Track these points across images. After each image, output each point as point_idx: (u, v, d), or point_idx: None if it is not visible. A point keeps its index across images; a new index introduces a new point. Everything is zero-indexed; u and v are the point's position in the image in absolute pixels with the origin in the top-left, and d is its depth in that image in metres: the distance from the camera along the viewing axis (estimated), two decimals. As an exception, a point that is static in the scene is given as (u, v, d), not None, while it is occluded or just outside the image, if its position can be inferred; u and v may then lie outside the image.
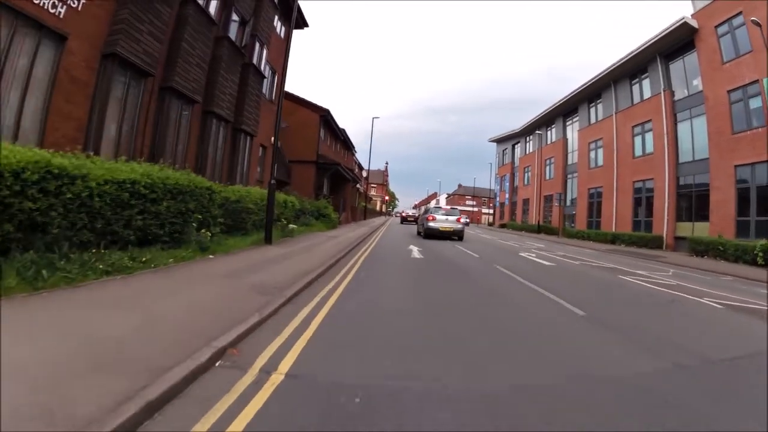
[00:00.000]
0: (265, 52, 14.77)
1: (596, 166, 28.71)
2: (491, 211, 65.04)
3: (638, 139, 24.90)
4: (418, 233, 19.69)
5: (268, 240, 10.31)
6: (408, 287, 6.76)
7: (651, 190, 23.20)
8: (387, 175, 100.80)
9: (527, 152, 43.74)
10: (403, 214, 44.62)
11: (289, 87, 29.10)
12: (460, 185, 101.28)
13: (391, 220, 47.87)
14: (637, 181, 24.32)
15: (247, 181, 12.58)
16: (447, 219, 18.16)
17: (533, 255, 13.47)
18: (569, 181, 33.57)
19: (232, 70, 12.78)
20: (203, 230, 8.10)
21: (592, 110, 30.36)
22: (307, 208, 17.54)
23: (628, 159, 25.28)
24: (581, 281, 8.55)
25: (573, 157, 33.09)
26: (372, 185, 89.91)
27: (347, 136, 32.52)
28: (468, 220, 45.13)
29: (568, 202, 32.80)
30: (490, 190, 62.00)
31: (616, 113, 26.99)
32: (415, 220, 31.30)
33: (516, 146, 48.18)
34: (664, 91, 22.85)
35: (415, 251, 11.75)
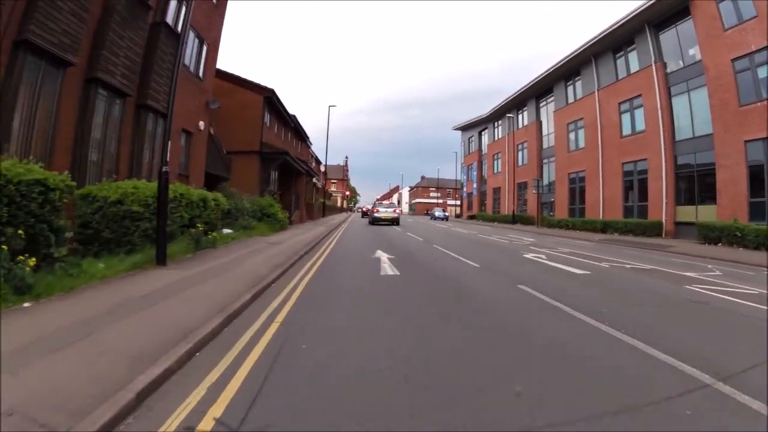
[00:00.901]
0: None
1: (577, 149, 26.59)
2: (458, 203, 62.96)
3: (626, 117, 22.86)
4: (369, 222, 26.09)
5: (160, 259, 6.35)
6: (390, 362, 3.03)
7: (644, 171, 21.18)
8: (347, 170, 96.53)
9: (496, 138, 41.55)
10: (364, 209, 46.15)
11: (233, 70, 24.61)
12: (423, 177, 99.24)
13: (352, 217, 44.53)
14: (628, 162, 22.27)
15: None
16: (387, 211, 26.10)
17: (543, 257, 10.30)
18: (545, 167, 31.48)
19: (132, 26, 8.62)
20: (24, 256, 4.24)
21: (570, 89, 28.23)
22: (246, 207, 13.98)
23: (615, 139, 23.20)
24: (665, 309, 5.22)
25: (549, 141, 30.96)
26: (332, 181, 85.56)
27: (299, 123, 28.17)
28: (447, 215, 48.28)
29: (545, 189, 30.67)
30: (456, 180, 59.85)
31: (598, 90, 24.87)
32: (368, 213, 34.17)
33: (483, 133, 45.98)
34: (655, 63, 20.79)
35: (386, 262, 8.38)
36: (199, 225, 8.38)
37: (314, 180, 33.98)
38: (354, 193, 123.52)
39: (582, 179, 25.78)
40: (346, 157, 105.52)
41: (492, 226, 31.37)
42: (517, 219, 31.66)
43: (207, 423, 2.04)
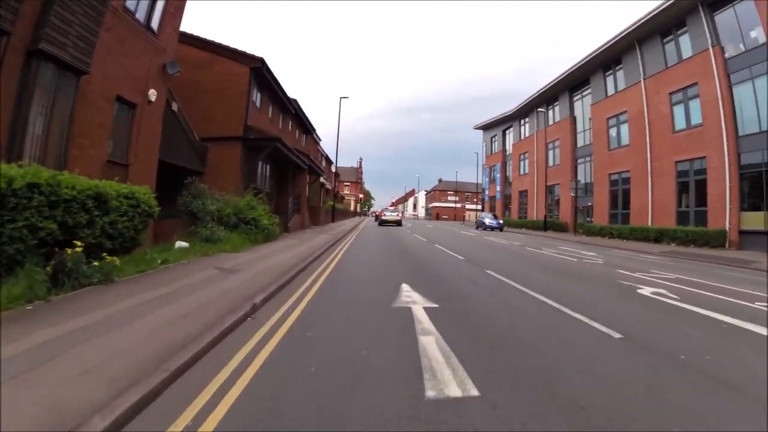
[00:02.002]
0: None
1: (619, 146, 24.07)
2: (478, 207, 60.49)
3: (679, 109, 20.33)
4: (378, 224, 31.91)
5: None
6: None
7: (702, 171, 18.63)
8: (361, 173, 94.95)
9: (523, 137, 39.09)
10: (378, 213, 45.16)
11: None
12: (440, 180, 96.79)
13: (365, 222, 41.49)
14: (682, 160, 19.72)
15: (65, 162, 5.97)
16: (391, 215, 33.32)
17: (664, 290, 6.65)
18: (580, 167, 28.94)
19: None
20: None
21: (610, 79, 25.75)
22: (210, 210, 10.48)
23: (666, 134, 20.68)
24: None
25: (585, 138, 28.45)
26: (345, 183, 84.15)
27: (301, 110, 23.66)
28: (501, 222, 31.72)
29: (581, 192, 28.18)
30: (477, 184, 57.42)
31: (644, 79, 22.40)
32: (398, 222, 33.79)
33: (508, 132, 43.56)
34: (713, 46, 18.34)
35: (418, 304, 5.04)
36: (78, 243, 4.76)
37: (322, 180, 31.82)
38: (368, 197, 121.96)
39: (626, 181, 23.23)
40: (360, 159, 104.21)
41: (522, 233, 28.98)
42: (549, 225, 29.19)
43: None
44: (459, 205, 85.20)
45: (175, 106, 10.67)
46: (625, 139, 23.54)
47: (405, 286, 6.15)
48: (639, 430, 2.20)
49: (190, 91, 12.97)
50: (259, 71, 14.91)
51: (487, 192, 49.84)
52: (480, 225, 32.16)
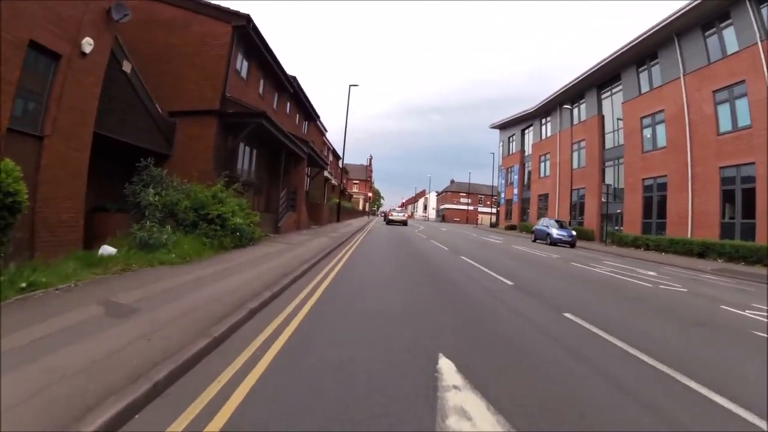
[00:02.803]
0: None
1: (655, 148, 22.39)
2: (493, 210, 58.85)
3: (724, 109, 18.66)
4: (386, 223, 36.12)
5: None
6: None
7: (750, 179, 16.97)
8: (371, 171, 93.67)
9: (544, 137, 37.44)
10: (386, 213, 48.79)
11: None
12: (452, 181, 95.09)
13: (374, 223, 39.70)
14: (727, 166, 18.07)
15: None
16: (398, 215, 37.91)
17: None
18: (609, 170, 27.28)
19: None
20: None
21: (644, 75, 24.07)
22: (151, 201, 8.02)
23: (709, 136, 19.01)
24: None
25: (615, 139, 26.77)
26: (353, 181, 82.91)
27: (302, 90, 19.88)
28: (574, 234, 22.94)
29: (610, 198, 26.55)
30: (492, 187, 55.78)
31: (684, 75, 20.75)
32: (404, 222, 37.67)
33: (527, 131, 41.92)
34: (761, 41, 16.77)
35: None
36: None
37: (326, 174, 30.18)
38: (378, 196, 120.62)
39: (662, 186, 21.55)
40: (370, 156, 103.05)
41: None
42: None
43: None
44: (471, 208, 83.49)
45: (127, 67, 8.21)
46: (662, 140, 21.87)
47: (445, 367, 3.25)
48: None
49: (161, 57, 11.01)
50: (244, 32, 11.79)
51: (503, 195, 48.21)
52: (541, 236, 23.74)
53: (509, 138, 46.43)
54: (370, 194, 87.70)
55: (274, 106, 17.17)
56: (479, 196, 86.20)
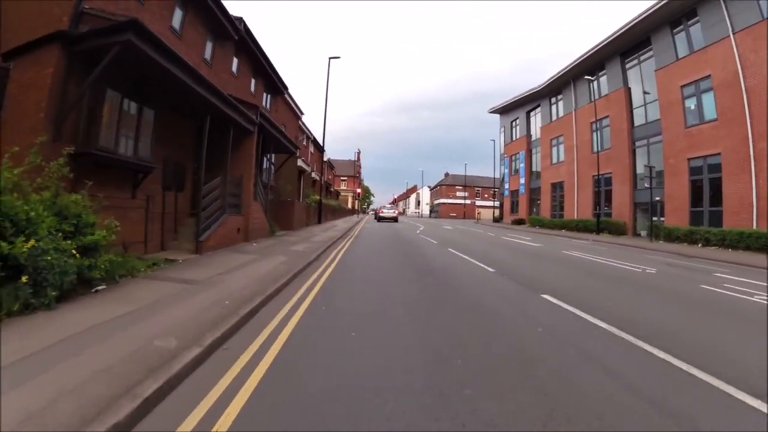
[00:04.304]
0: None
1: (701, 122, 19.37)
2: (495, 203, 55.78)
3: (796, 67, 15.74)
4: (377, 221, 40.15)
5: None
6: None
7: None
8: (360, 166, 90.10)
9: (554, 118, 34.36)
10: (378, 211, 48.93)
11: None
12: (447, 174, 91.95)
13: (364, 222, 35.65)
14: (807, 137, 15.14)
15: None
16: (389, 212, 42.39)
17: None
18: (639, 151, 24.27)
19: None
20: None
21: (680, 37, 21.02)
22: None
23: (777, 102, 16.07)
24: None
25: (646, 114, 23.75)
26: (341, 178, 79.29)
27: (254, 39, 14.92)
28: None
29: (643, 184, 23.54)
30: (493, 178, 52.74)
31: (734, 33, 17.76)
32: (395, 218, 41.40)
33: (533, 113, 38.86)
34: None
35: None
36: None
37: (301, 163, 25.51)
38: (367, 193, 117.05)
39: (715, 168, 18.51)
40: (358, 151, 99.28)
41: (561, 235, 24.40)
42: (603, 226, 24.52)
43: None
44: (468, 202, 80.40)
45: None
46: (711, 112, 18.85)
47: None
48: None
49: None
50: None
51: (507, 185, 45.18)
52: None
53: (512, 123, 43.37)
54: (359, 191, 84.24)
55: (206, 56, 12.16)
56: (477, 188, 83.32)
